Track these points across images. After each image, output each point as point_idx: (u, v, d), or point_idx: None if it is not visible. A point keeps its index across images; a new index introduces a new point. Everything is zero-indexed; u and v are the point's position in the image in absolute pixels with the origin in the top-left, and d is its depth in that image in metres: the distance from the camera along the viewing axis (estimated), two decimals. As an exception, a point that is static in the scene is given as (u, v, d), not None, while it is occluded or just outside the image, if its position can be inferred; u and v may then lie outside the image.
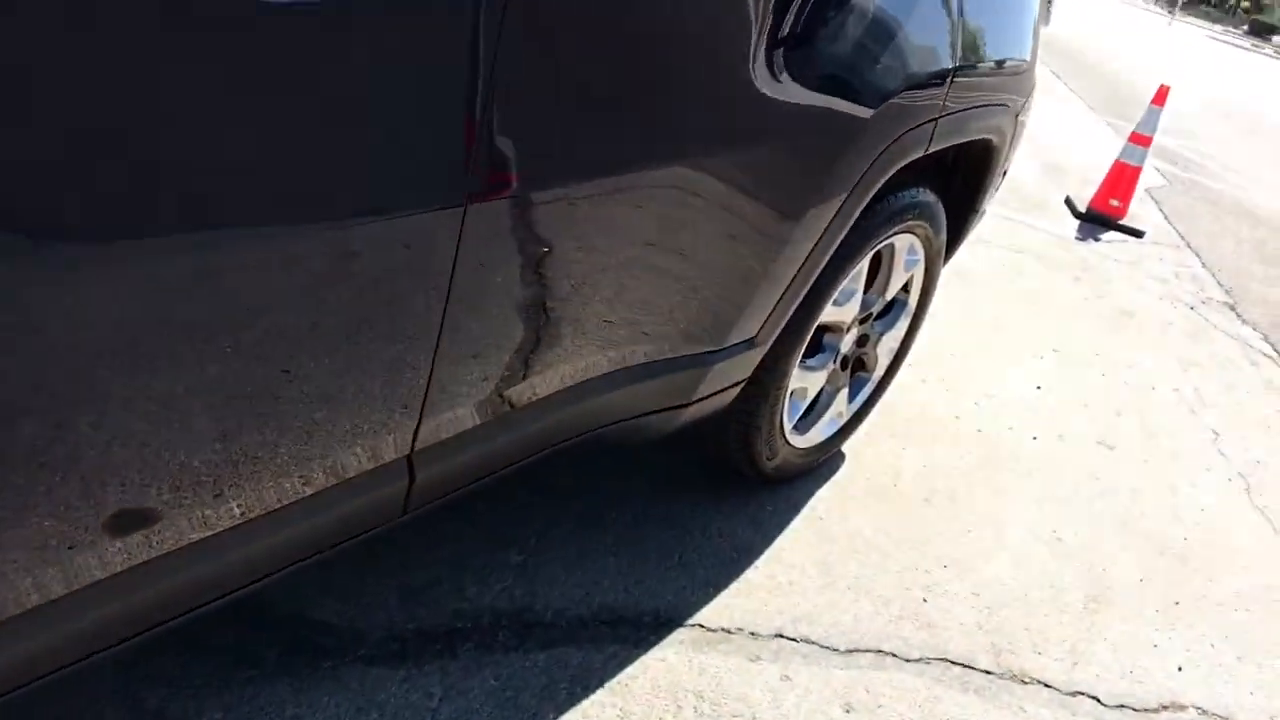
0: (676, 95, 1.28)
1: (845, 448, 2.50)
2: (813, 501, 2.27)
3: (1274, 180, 8.46)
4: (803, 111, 1.49)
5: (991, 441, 2.75)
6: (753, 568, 2.02)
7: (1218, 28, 40.77)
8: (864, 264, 2.00)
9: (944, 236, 2.26)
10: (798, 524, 2.18)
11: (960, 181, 2.35)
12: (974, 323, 3.52)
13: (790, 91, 1.44)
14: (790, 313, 1.77)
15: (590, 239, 1.28)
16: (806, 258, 1.68)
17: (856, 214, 1.73)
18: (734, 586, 1.95)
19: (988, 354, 3.29)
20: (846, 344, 2.18)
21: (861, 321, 2.19)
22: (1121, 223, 5.29)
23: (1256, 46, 34.77)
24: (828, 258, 1.75)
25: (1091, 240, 5.02)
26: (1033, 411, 2.98)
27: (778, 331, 1.78)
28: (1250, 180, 8.07)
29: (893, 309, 2.34)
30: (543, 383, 1.38)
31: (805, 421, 2.21)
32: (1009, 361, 3.28)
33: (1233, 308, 4.55)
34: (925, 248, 2.21)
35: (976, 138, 2.07)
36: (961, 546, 2.26)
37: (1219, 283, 4.88)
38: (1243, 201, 7.12)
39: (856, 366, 2.36)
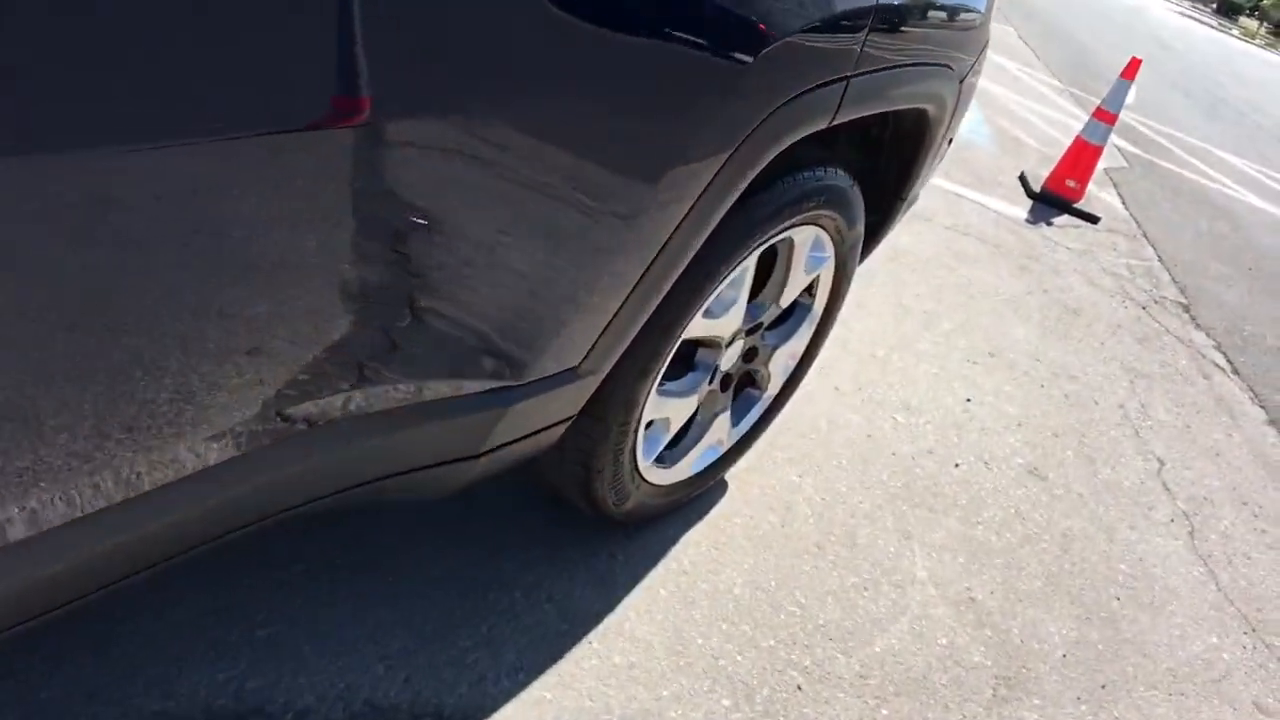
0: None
1: (730, 475, 2.07)
2: (677, 549, 1.84)
3: (1234, 168, 8.17)
4: (635, 51, 1.00)
5: (906, 469, 2.33)
6: (584, 644, 1.58)
7: (1185, 4, 40.66)
8: (749, 264, 1.53)
9: (861, 228, 1.80)
10: (653, 581, 1.75)
11: (886, 161, 1.89)
12: (902, 317, 3.10)
13: (614, 17, 0.95)
14: (633, 331, 1.30)
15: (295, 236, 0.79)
16: (653, 261, 1.21)
17: (728, 202, 1.26)
18: (553, 673, 1.51)
19: (914, 357, 2.87)
20: (728, 361, 1.73)
21: (749, 332, 1.74)
22: (1077, 206, 4.89)
23: (1224, 26, 34.75)
24: (687, 259, 1.28)
25: (1044, 224, 4.62)
26: (958, 431, 2.58)
27: (615, 356, 1.32)
28: (1211, 165, 7.76)
29: (793, 315, 1.88)
30: (244, 432, 0.90)
31: (672, 453, 1.76)
32: (938, 367, 2.87)
33: (1187, 309, 4.20)
34: (835, 243, 1.75)
35: (906, 106, 1.60)
36: (855, 610, 1.85)
37: (1174, 280, 4.53)
38: (1206, 189, 6.80)
39: (745, 383, 1.91)
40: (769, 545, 1.93)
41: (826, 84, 1.27)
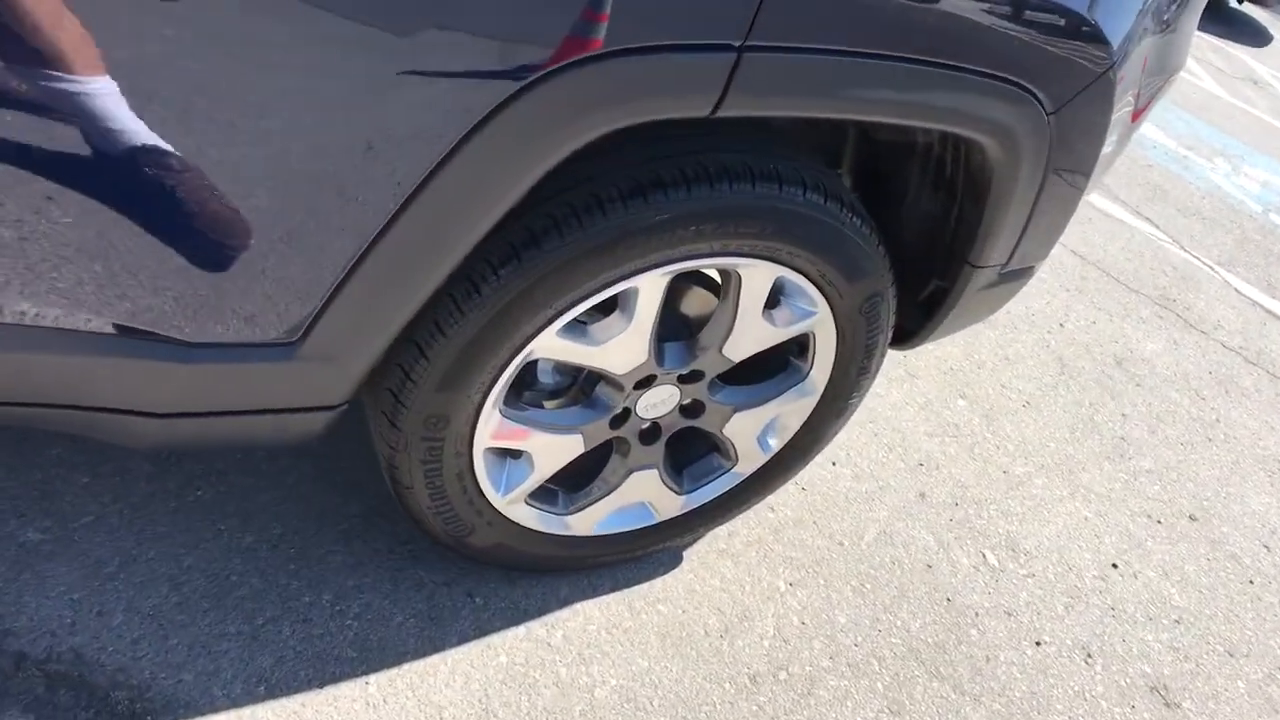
0: None
1: (693, 551, 1.68)
2: (558, 615, 1.50)
3: None
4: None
5: (957, 625, 1.76)
6: (359, 682, 1.32)
7: None
8: (642, 287, 1.17)
9: (877, 286, 1.33)
10: (502, 642, 1.44)
11: (959, 209, 1.38)
12: (1082, 434, 2.38)
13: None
14: (383, 324, 1.02)
15: None
16: (374, 241, 0.93)
17: (504, 191, 0.94)
18: (296, 699, 1.27)
19: (1067, 487, 2.19)
20: (650, 408, 1.36)
21: (685, 380, 1.35)
22: None
23: None
24: (449, 251, 0.98)
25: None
26: (1072, 600, 1.91)
27: (367, 348, 1.05)
28: None
29: (776, 376, 1.45)
30: None
31: (565, 499, 1.44)
32: (1095, 511, 2.16)
33: None
34: (828, 297, 1.31)
35: (921, 124, 1.13)
36: (753, 775, 1.40)
37: None
38: None
39: (712, 447, 1.51)
40: (684, 653, 1.52)
41: (676, 49, 0.89)
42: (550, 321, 1.14)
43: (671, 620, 1.56)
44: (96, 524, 1.38)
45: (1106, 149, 1.37)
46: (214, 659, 1.28)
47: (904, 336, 1.58)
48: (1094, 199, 3.71)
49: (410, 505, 1.29)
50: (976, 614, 1.80)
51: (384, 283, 0.97)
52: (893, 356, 2.40)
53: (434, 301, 1.09)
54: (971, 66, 1.08)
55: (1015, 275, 1.50)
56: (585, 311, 1.19)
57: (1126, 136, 1.52)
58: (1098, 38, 1.16)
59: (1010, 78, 1.12)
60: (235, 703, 1.25)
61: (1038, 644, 1.79)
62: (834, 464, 2.01)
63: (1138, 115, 1.47)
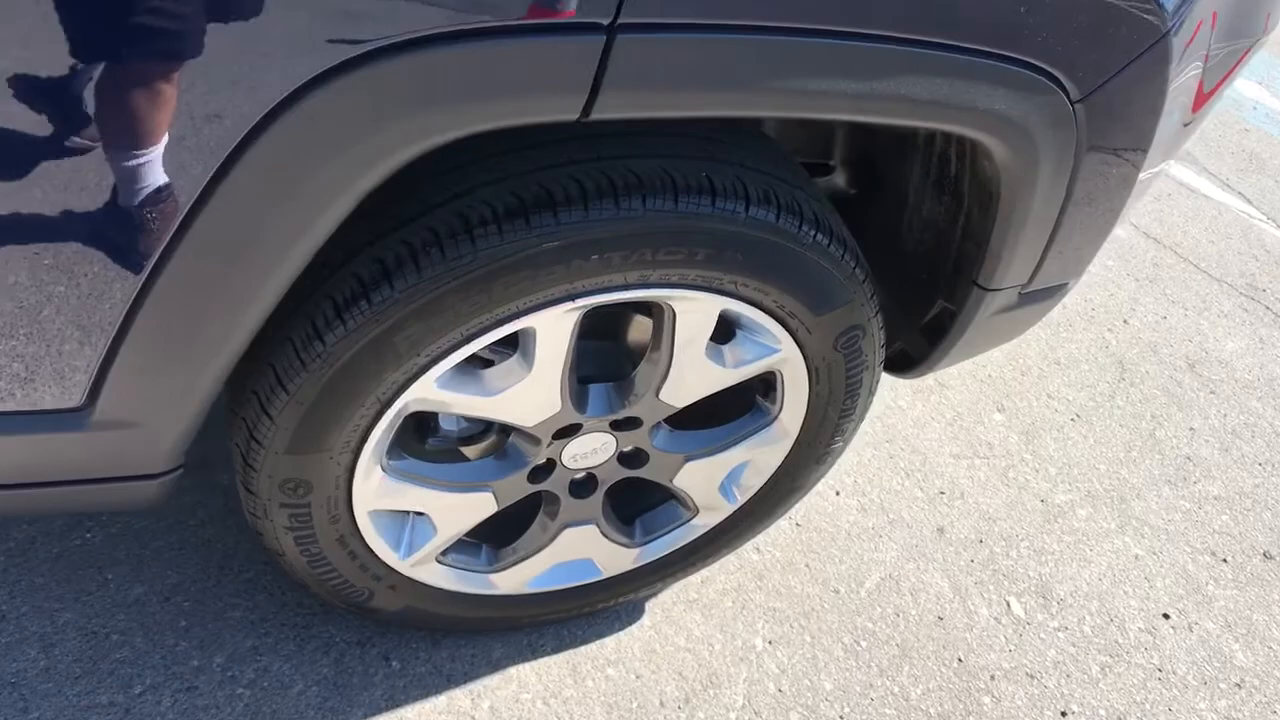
0: None
1: (657, 602, 1.47)
2: (488, 683, 1.31)
3: None
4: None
5: (968, 690, 1.51)
6: (250, 764, 1.16)
7: None
8: (541, 326, 0.95)
9: (856, 317, 1.08)
10: (418, 714, 1.26)
11: (966, 220, 1.11)
12: (1142, 453, 2.08)
13: None
14: (193, 378, 0.82)
15: None
16: (147, 284, 0.73)
17: (310, 218, 0.72)
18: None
19: (1116, 519, 1.90)
20: (578, 459, 1.14)
21: (622, 426, 1.13)
22: None
23: None
24: (249, 293, 0.77)
25: None
26: (1111, 659, 1.64)
27: (172, 408, 0.85)
28: None
29: (738, 421, 1.22)
30: None
31: (490, 556, 1.24)
32: (1147, 548, 1.87)
33: None
34: (789, 328, 1.06)
35: (840, 117, 0.87)
36: None
37: None
38: None
39: (662, 492, 1.29)
40: (633, 727, 1.32)
41: (517, 31, 0.65)
42: (424, 370, 0.93)
43: (622, 687, 1.36)
44: (-31, 571, 1.24)
45: (1161, 143, 1.08)
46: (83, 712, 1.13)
47: (907, 363, 1.32)
48: (1175, 170, 3.30)
49: (288, 572, 1.11)
50: (992, 677, 1.55)
51: (171, 336, 0.77)
52: (920, 361, 2.12)
53: (274, 349, 0.89)
54: (958, 43, 0.81)
55: (1042, 296, 1.23)
56: (477, 353, 0.97)
57: (1195, 124, 1.22)
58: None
59: (1017, 56, 0.85)
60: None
61: (1064, 714, 1.53)
62: (838, 493, 1.76)
63: (1203, 100, 1.16)
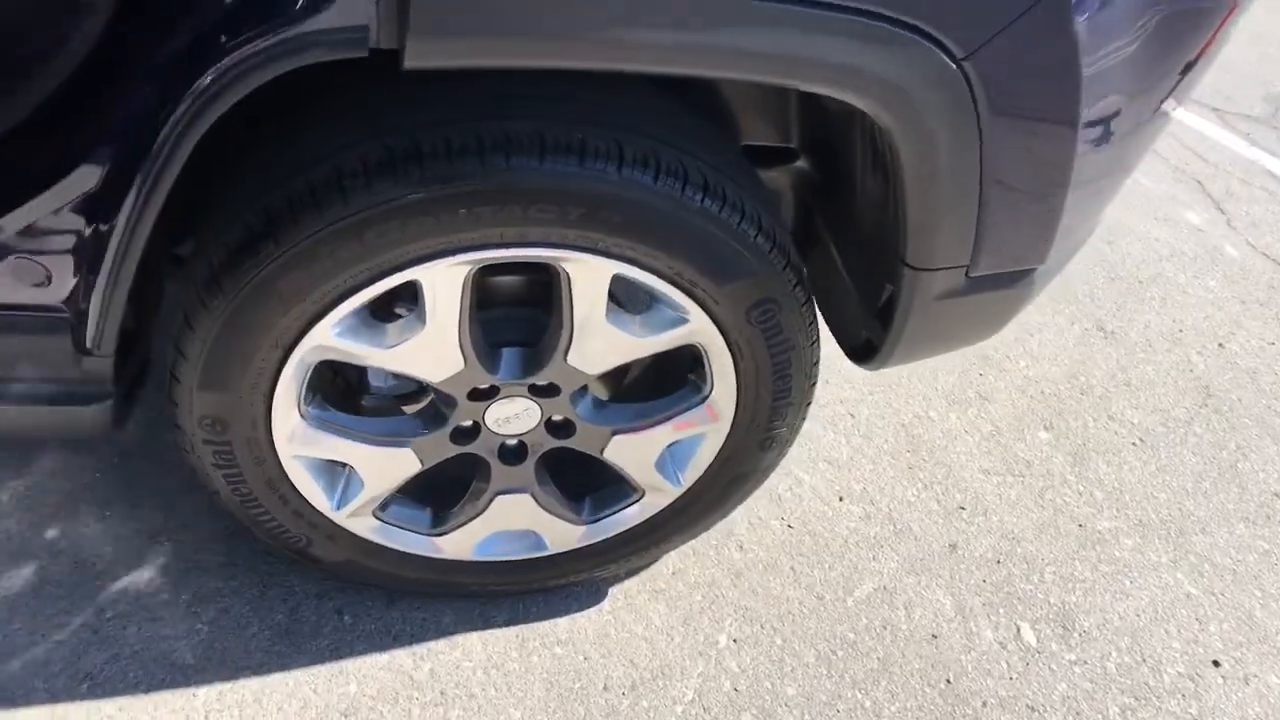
0: None
1: (626, 587, 1.46)
2: (435, 648, 1.34)
3: None
4: None
5: (952, 713, 1.40)
6: (154, 697, 1.24)
7: None
8: (430, 281, 0.98)
9: (766, 289, 1.05)
10: (359, 669, 1.30)
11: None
12: (1218, 483, 1.86)
13: None
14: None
15: None
16: None
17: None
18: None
19: (1172, 553, 1.71)
20: (502, 422, 1.16)
21: (544, 393, 1.14)
22: None
23: None
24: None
25: None
26: (1139, 702, 1.47)
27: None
28: None
29: (670, 396, 1.20)
30: None
31: (440, 516, 1.28)
32: (1207, 588, 1.66)
33: None
34: (695, 298, 1.04)
35: (670, 71, 0.84)
36: None
37: None
38: None
39: (607, 473, 1.29)
40: (570, 709, 1.31)
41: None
42: (317, 318, 0.98)
43: (567, 667, 1.36)
44: (-4, 499, 1.40)
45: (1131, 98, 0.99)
46: (48, 649, 1.25)
47: (868, 353, 1.26)
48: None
49: (229, 512, 1.19)
50: (984, 704, 1.43)
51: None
52: (966, 374, 2.00)
53: (186, 290, 0.97)
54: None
55: (1002, 282, 1.14)
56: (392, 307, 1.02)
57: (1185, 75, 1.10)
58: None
59: (876, 10, 0.81)
60: (53, 697, 1.20)
61: (1062, 756, 1.39)
62: (841, 499, 1.69)
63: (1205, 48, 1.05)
